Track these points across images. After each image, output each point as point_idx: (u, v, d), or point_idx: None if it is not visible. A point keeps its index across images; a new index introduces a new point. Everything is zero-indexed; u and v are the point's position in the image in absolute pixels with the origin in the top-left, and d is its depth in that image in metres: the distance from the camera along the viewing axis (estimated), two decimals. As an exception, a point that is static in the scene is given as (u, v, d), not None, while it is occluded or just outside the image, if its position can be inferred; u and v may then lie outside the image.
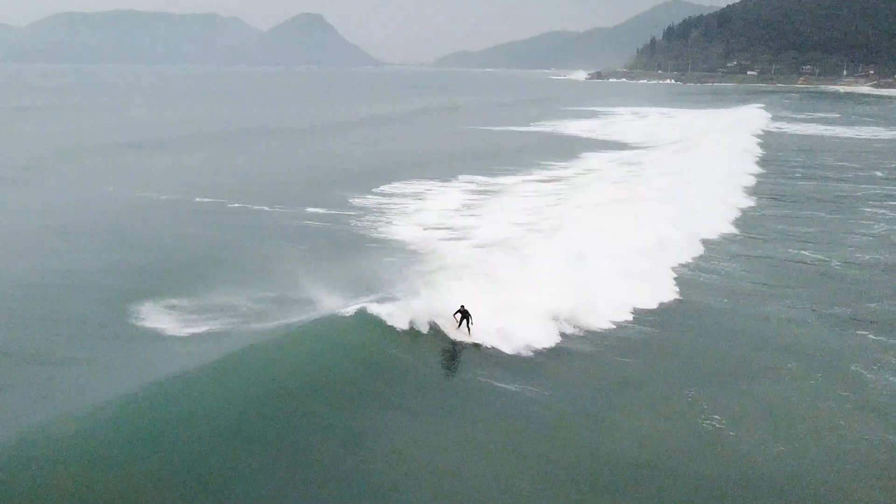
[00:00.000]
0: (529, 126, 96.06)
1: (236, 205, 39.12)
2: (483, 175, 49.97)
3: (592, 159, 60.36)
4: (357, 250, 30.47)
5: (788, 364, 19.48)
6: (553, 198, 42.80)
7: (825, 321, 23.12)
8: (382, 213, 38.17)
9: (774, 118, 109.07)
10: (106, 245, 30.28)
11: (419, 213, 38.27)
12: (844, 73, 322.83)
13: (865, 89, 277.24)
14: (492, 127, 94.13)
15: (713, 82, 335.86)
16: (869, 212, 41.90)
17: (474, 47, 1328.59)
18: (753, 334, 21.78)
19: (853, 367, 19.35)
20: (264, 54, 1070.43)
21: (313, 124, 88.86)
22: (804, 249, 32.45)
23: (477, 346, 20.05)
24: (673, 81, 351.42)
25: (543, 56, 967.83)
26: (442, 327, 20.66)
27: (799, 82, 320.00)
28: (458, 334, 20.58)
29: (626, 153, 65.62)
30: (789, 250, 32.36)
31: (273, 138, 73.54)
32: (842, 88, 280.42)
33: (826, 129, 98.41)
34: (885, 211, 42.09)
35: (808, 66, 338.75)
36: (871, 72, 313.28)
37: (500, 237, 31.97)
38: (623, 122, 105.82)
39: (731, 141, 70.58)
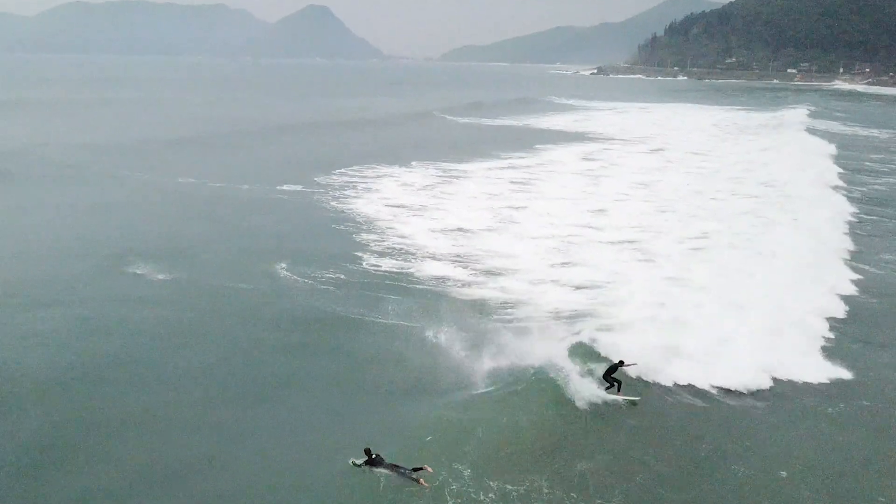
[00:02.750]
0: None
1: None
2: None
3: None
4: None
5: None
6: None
7: None
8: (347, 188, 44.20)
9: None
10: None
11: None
12: (841, 70, 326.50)
13: (860, 87, 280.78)
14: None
15: (711, 79, 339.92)
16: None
17: (481, 41, 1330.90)
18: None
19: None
20: (271, 47, 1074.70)
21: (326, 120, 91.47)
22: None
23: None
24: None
25: (550, 51, 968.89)
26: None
27: (796, 79, 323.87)
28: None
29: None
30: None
31: (291, 133, 76.04)
32: (835, 86, 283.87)
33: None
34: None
35: (806, 64, 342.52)
36: (867, 70, 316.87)
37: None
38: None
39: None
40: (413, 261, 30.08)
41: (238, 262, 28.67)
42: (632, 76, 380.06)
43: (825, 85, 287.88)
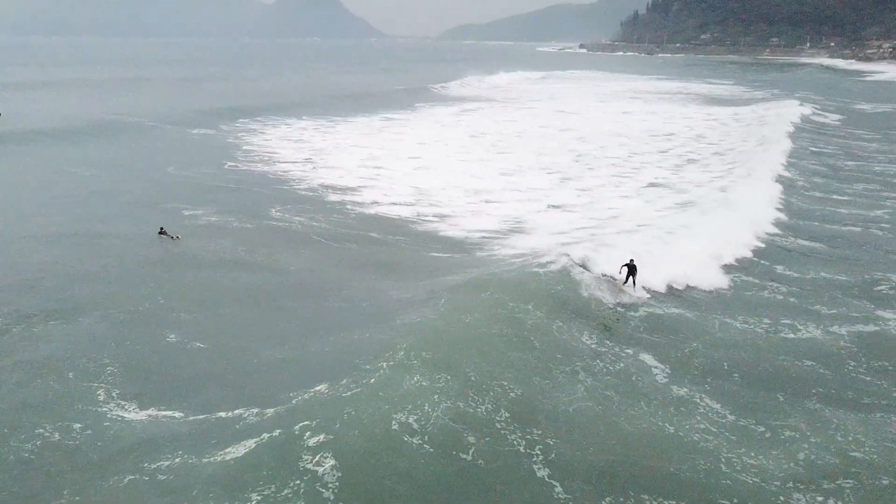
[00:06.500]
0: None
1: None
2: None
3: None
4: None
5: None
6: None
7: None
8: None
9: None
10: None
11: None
12: (808, 45, 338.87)
13: (825, 61, 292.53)
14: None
15: (685, 53, 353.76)
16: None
17: (479, 20, 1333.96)
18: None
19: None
20: (270, 27, 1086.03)
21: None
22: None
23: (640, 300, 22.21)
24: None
25: (548, 28, 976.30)
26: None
27: (765, 54, 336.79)
28: (624, 289, 22.28)
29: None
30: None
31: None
32: (796, 60, 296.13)
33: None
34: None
35: (776, 39, 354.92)
36: (832, 44, 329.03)
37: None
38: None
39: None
40: (268, 163, 46.34)
41: (147, 166, 44.95)
42: (608, 54, 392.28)
43: (798, 59, 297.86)
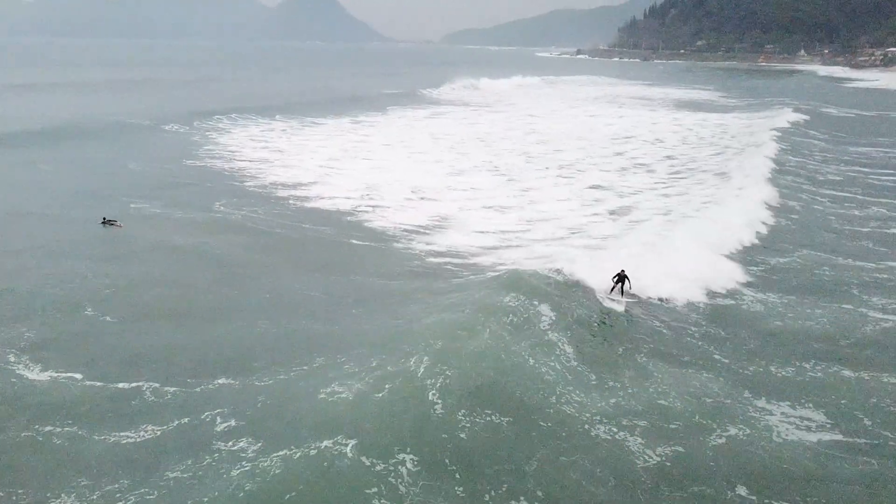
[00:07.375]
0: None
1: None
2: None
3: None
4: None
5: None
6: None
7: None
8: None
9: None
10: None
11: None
12: (802, 52, 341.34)
13: (819, 68, 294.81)
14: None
15: (681, 59, 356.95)
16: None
17: (481, 24, 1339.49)
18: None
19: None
20: (272, 30, 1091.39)
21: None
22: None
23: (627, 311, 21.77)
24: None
25: (549, 34, 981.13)
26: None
27: (760, 61, 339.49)
28: (610, 297, 22.16)
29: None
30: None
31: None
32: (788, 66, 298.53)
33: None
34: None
35: (770, 46, 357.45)
36: (826, 51, 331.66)
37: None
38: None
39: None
40: (227, 161, 48.47)
41: (110, 162, 47.17)
42: (605, 59, 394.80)
43: (792, 66, 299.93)
